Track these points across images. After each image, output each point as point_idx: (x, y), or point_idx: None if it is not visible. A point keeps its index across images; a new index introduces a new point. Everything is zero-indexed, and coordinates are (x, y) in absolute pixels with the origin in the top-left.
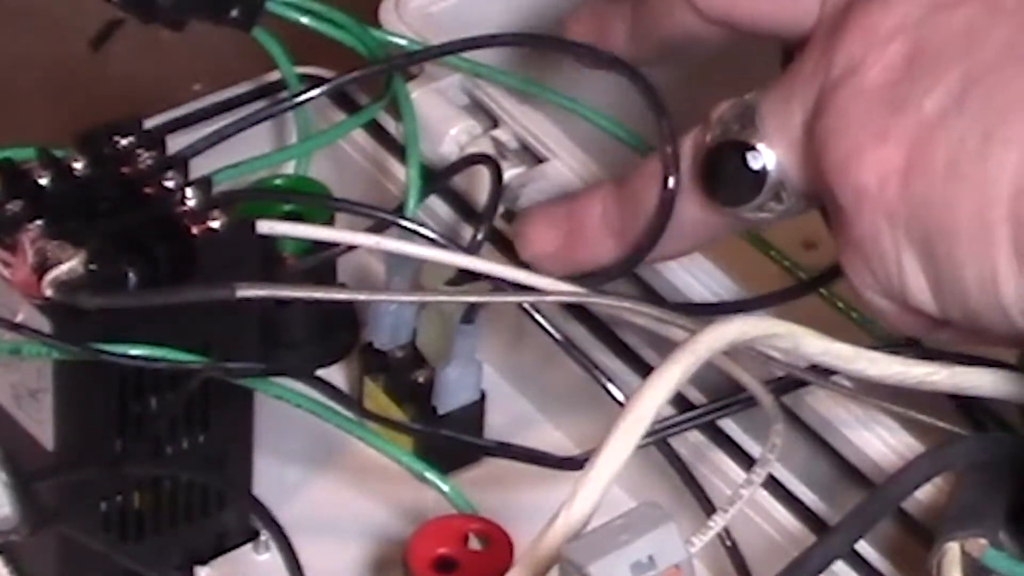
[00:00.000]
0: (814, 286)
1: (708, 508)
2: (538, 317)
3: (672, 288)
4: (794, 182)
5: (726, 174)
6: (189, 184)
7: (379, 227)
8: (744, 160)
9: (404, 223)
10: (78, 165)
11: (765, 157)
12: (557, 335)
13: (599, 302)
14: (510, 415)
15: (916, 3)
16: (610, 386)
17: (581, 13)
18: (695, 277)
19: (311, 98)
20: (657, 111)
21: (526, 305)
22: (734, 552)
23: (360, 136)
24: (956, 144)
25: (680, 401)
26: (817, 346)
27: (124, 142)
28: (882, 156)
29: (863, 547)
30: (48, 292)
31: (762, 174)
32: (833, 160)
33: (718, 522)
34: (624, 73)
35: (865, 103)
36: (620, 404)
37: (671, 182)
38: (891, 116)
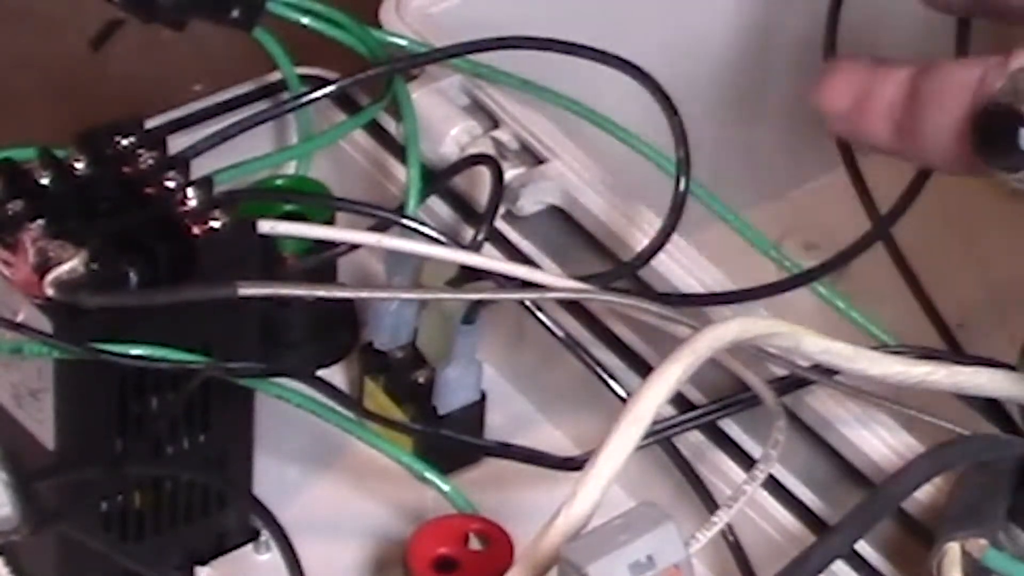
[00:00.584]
0: (807, 279)
1: (709, 507)
2: (539, 315)
3: (672, 289)
4: None
5: (993, 135)
6: (190, 184)
7: (381, 226)
8: (1016, 133)
9: (406, 222)
10: (79, 165)
11: None
12: (558, 331)
13: (602, 299)
14: (510, 415)
15: None
16: (612, 383)
17: None
18: (696, 278)
19: (315, 99)
20: (667, 111)
21: (527, 302)
22: (736, 548)
23: (361, 136)
24: None
25: (680, 401)
26: (818, 345)
27: (125, 142)
28: None
29: (863, 547)
30: (49, 291)
31: None
32: None
33: (722, 517)
34: (632, 74)
35: None
36: (622, 400)
37: (682, 184)
38: None
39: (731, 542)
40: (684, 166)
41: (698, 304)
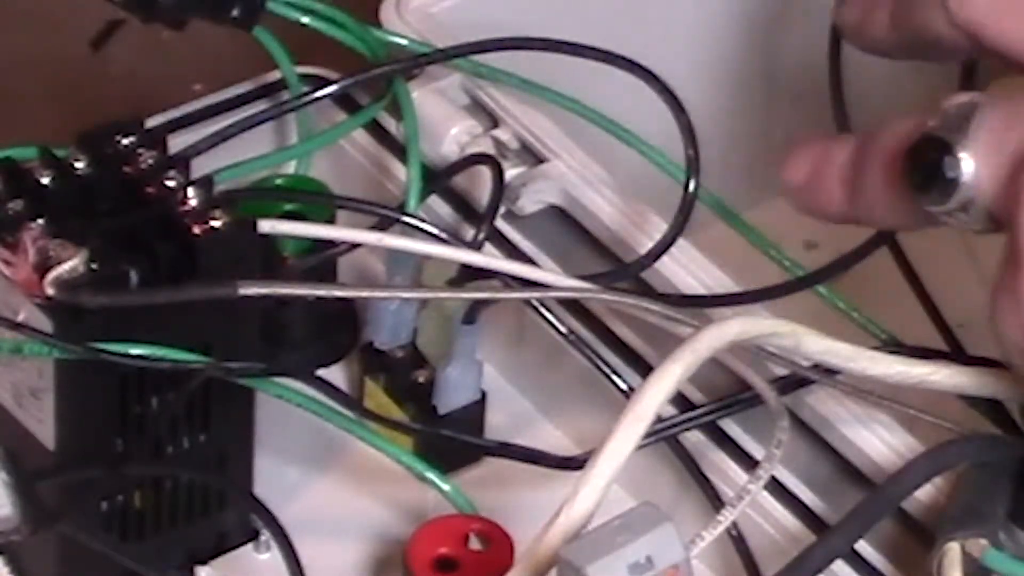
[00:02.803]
0: (810, 282)
1: (712, 507)
2: (542, 311)
3: (673, 289)
4: (983, 203)
5: (921, 167)
6: (190, 183)
7: (381, 225)
8: (942, 162)
9: (407, 219)
10: (80, 164)
11: (963, 167)
12: (562, 328)
13: (603, 298)
14: (510, 415)
15: None
16: (615, 378)
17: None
18: (696, 277)
19: (316, 99)
20: (675, 111)
21: (532, 301)
22: (740, 542)
23: (361, 136)
24: None
25: (681, 401)
26: (818, 345)
27: (125, 142)
28: None
29: (863, 547)
30: (50, 291)
31: (954, 183)
32: None
33: (727, 517)
34: (639, 74)
35: None
36: (624, 393)
37: (691, 185)
38: None
39: (735, 536)
40: (694, 166)
41: (699, 305)
